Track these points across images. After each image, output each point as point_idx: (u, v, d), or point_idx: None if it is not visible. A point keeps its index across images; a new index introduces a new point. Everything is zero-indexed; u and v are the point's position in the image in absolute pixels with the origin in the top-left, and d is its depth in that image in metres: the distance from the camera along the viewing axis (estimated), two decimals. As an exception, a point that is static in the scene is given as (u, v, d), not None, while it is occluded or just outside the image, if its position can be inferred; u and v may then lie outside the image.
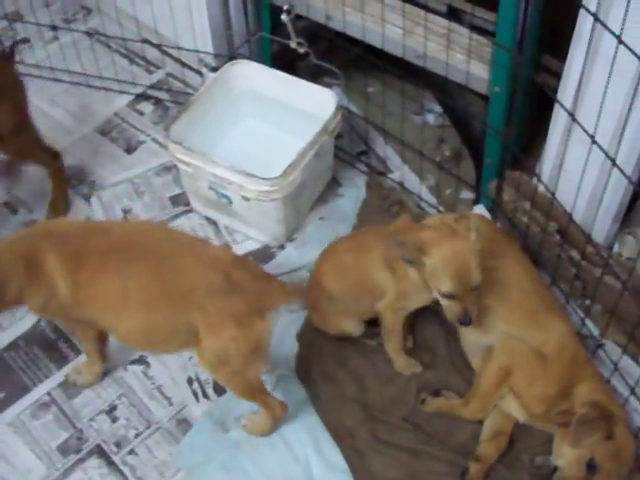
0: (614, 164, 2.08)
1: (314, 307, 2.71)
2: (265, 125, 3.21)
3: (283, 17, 2.98)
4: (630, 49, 1.92)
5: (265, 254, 3.02)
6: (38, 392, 2.74)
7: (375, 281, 2.51)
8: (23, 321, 2.91)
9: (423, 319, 2.73)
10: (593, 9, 2.08)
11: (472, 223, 2.29)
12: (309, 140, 2.85)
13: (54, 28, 3.82)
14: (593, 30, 2.12)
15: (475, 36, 2.75)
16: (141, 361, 2.79)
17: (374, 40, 2.92)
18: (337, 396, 2.60)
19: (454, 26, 2.81)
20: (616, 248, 2.66)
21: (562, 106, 2.27)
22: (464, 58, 2.74)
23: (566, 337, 2.43)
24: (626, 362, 2.59)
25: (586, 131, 2.15)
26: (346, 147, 3.25)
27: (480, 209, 2.97)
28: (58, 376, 2.78)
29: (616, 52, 1.98)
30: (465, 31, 2.77)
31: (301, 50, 3.06)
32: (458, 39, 2.79)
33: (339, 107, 2.98)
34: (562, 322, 2.46)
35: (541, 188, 2.64)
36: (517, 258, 2.58)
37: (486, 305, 2.45)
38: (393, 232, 2.38)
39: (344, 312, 2.63)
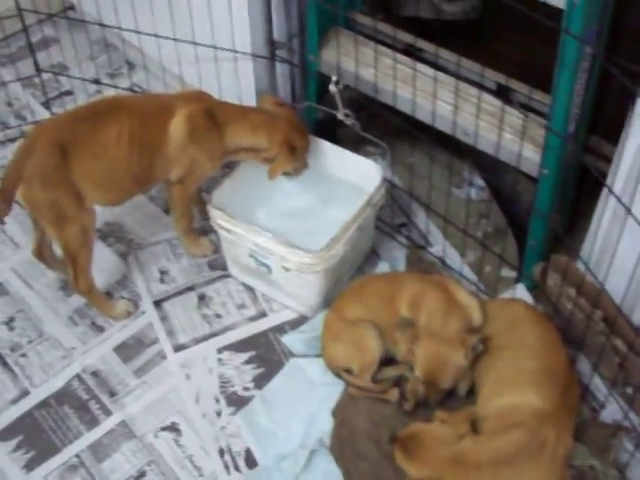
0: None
1: (330, 339, 2.76)
2: (307, 193, 3.19)
3: (331, 88, 2.98)
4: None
5: (300, 323, 2.99)
6: (67, 453, 2.72)
7: (396, 311, 2.67)
8: (56, 378, 2.90)
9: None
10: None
11: (471, 341, 2.51)
12: (353, 213, 2.83)
13: (97, 82, 3.86)
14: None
15: (525, 116, 2.73)
16: (172, 428, 2.75)
17: (423, 116, 2.91)
18: (371, 477, 2.55)
19: (505, 105, 2.80)
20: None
21: (619, 200, 2.24)
22: (514, 139, 2.73)
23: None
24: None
25: (643, 226, 2.11)
26: (386, 218, 3.22)
27: (521, 289, 2.94)
28: (88, 438, 2.74)
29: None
30: (515, 111, 2.77)
31: (348, 122, 3.05)
32: (508, 119, 2.77)
33: (384, 180, 2.96)
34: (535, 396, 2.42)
35: (589, 276, 2.60)
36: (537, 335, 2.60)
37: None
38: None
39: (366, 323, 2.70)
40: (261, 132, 2.89)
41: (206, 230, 3.20)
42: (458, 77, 2.77)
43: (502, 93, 2.89)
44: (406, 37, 3.08)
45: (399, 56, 2.97)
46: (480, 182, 3.34)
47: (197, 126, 2.82)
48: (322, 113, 3.25)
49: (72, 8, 4.25)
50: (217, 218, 2.89)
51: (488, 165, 3.09)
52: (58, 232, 2.77)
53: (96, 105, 2.96)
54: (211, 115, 2.86)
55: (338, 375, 2.74)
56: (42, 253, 3.03)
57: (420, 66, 2.96)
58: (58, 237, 2.79)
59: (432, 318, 2.59)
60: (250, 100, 3.28)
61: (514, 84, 2.84)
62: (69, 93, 3.91)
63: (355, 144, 3.31)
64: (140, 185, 2.94)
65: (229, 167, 3.20)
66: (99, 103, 3.01)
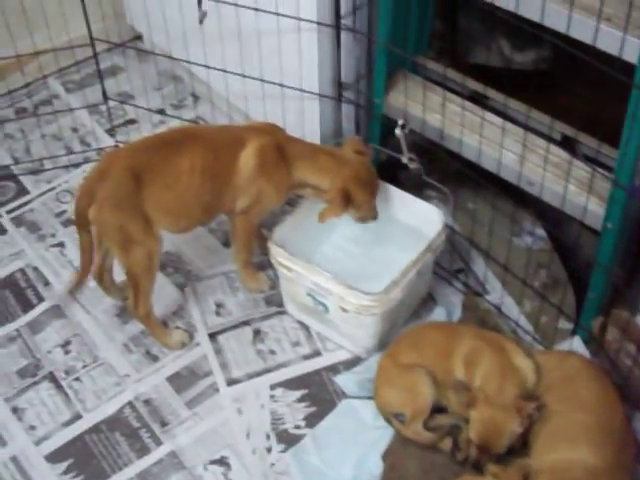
0: None
1: (383, 384, 2.76)
2: (367, 235, 3.20)
3: (397, 132, 2.99)
4: None
5: (354, 363, 2.99)
6: (116, 480, 2.73)
7: (451, 366, 2.67)
8: (108, 404, 2.92)
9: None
10: None
11: (527, 410, 2.49)
12: (413, 258, 2.84)
13: (161, 112, 3.91)
14: None
15: (592, 169, 2.74)
16: (222, 462, 2.75)
17: (488, 164, 2.92)
18: (419, 523, 2.55)
19: (570, 157, 2.81)
20: None
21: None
22: (578, 191, 2.73)
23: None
24: None
25: None
26: (444, 263, 3.22)
27: (577, 341, 2.92)
28: (138, 466, 2.75)
29: None
30: (581, 164, 2.77)
31: (412, 166, 3.06)
32: (573, 171, 2.76)
33: (445, 226, 2.97)
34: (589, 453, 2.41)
35: (650, 333, 2.59)
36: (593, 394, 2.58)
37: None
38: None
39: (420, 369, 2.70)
40: (326, 174, 2.91)
41: (264, 266, 3.22)
42: (526, 127, 2.78)
43: (567, 145, 2.89)
44: (474, 85, 3.09)
45: (467, 103, 2.98)
46: (540, 232, 3.32)
47: (266, 159, 2.86)
48: (384, 155, 3.26)
49: (140, 38, 4.32)
50: (277, 255, 2.91)
51: (549, 215, 3.09)
52: (124, 255, 2.81)
53: (170, 134, 3.02)
54: (280, 149, 2.89)
55: (389, 421, 2.74)
56: (102, 277, 3.07)
57: (487, 114, 2.96)
58: (123, 260, 2.83)
59: (488, 381, 2.58)
60: (314, 139, 3.31)
61: (581, 136, 2.84)
62: (133, 122, 3.97)
63: (416, 187, 3.32)
64: (208, 214, 2.98)
65: (291, 205, 3.23)
66: (173, 132, 3.07)
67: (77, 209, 2.80)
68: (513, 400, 2.53)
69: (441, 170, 3.24)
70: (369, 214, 3.01)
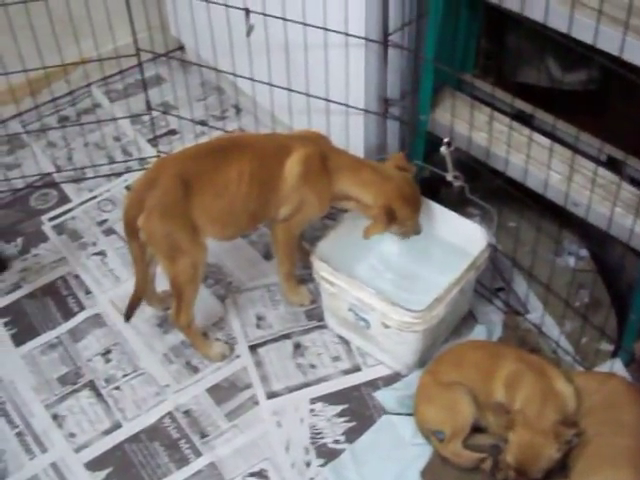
0: None
1: (423, 402, 2.76)
2: (409, 251, 3.20)
3: (442, 149, 2.99)
4: None
5: (394, 380, 2.99)
6: (155, 490, 2.74)
7: (491, 387, 2.65)
8: (148, 414, 2.93)
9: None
10: None
11: (566, 436, 2.46)
12: (457, 276, 2.84)
13: (203, 124, 3.93)
14: None
15: (636, 191, 2.73)
16: (261, 475, 2.76)
17: (535, 184, 2.91)
18: (459, 542, 2.54)
19: (615, 178, 2.80)
20: None
21: None
22: (624, 213, 2.73)
23: None
24: None
25: None
26: (485, 281, 3.21)
27: (618, 363, 2.90)
28: (176, 476, 2.76)
29: None
30: (627, 185, 2.77)
31: (456, 183, 3.06)
32: (619, 192, 2.75)
33: (489, 245, 2.96)
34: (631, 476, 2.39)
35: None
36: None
37: None
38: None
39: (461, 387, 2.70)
40: (369, 188, 2.91)
41: (304, 279, 3.24)
42: (575, 150, 2.77)
43: (614, 166, 2.88)
44: (520, 104, 3.08)
45: (513, 123, 2.98)
46: (582, 252, 3.31)
47: (311, 168, 2.87)
48: (427, 172, 3.26)
49: (182, 48, 4.35)
50: (320, 270, 2.91)
51: (592, 236, 3.08)
52: (170, 264, 2.82)
53: (218, 142, 3.05)
54: (324, 158, 2.90)
55: (428, 438, 2.74)
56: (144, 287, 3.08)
57: (533, 134, 2.96)
58: (169, 269, 2.84)
59: (528, 405, 2.56)
60: (358, 154, 3.30)
61: (628, 158, 2.83)
62: (175, 132, 4.00)
63: (457, 205, 3.31)
64: (254, 221, 3.01)
65: (334, 219, 3.24)
66: (221, 140, 3.09)
67: (126, 218, 2.82)
68: (552, 425, 2.51)
69: (483, 188, 3.24)
70: (411, 229, 3.01)
